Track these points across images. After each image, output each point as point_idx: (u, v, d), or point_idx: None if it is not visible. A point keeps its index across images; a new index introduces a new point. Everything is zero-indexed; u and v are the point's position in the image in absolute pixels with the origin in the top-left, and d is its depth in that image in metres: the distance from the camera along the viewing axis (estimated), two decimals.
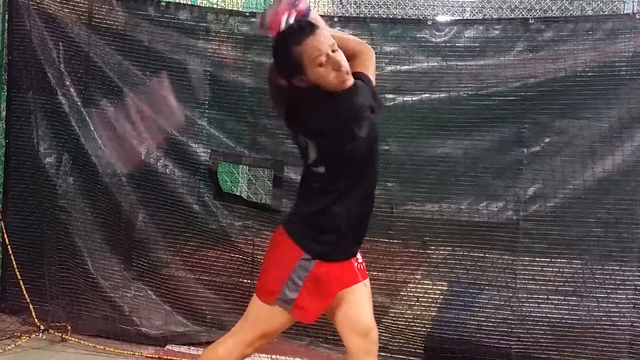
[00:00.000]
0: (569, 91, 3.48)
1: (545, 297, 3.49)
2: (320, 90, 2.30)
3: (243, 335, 2.48)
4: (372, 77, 2.44)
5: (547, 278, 3.49)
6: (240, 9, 5.63)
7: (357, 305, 2.49)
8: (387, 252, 3.66)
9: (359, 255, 2.55)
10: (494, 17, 6.12)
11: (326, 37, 2.29)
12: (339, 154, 2.33)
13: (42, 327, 3.93)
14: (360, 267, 2.54)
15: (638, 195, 3.42)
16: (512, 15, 6.21)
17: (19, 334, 3.89)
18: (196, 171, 3.90)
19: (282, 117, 2.50)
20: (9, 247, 4.01)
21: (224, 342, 2.53)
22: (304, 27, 2.30)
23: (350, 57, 2.42)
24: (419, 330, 3.68)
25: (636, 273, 3.42)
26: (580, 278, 3.46)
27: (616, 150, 3.42)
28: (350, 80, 2.30)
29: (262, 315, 2.44)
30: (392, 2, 6.30)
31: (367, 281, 2.56)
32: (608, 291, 3.42)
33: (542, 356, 3.49)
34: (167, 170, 3.92)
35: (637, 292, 3.41)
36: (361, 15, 5.89)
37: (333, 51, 2.28)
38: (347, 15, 5.95)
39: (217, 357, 2.51)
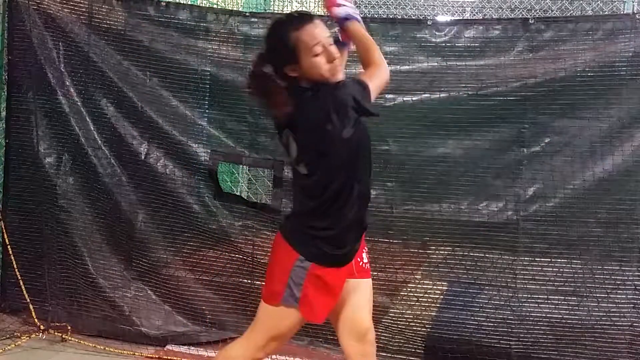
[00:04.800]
0: (569, 91, 3.47)
1: (545, 297, 3.49)
2: (304, 82, 2.29)
3: (254, 339, 2.45)
4: (373, 87, 2.32)
5: (547, 278, 3.49)
6: (240, 9, 5.62)
7: (355, 306, 2.49)
8: (387, 252, 3.66)
9: (364, 255, 2.54)
10: (494, 17, 6.11)
11: (324, 29, 2.29)
12: (319, 151, 2.27)
13: (42, 327, 3.92)
14: (364, 266, 2.53)
15: (638, 195, 3.42)
16: (512, 15, 6.20)
17: (19, 334, 3.89)
18: (196, 171, 3.90)
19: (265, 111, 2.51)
20: (9, 247, 4.01)
21: (236, 345, 2.50)
22: (303, 15, 2.32)
23: (365, 63, 2.43)
24: (419, 330, 3.68)
25: (636, 273, 3.42)
26: (580, 278, 3.46)
27: (616, 150, 3.42)
28: (341, 75, 2.31)
29: (270, 318, 2.42)
30: (392, 2, 6.30)
31: (368, 281, 2.55)
32: (608, 291, 3.42)
33: (542, 356, 3.49)
34: (167, 170, 3.92)
35: (637, 292, 3.41)
36: (361, 15, 5.88)
37: (330, 44, 2.28)
38: None
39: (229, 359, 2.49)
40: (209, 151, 3.86)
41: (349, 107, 2.23)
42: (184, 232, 3.94)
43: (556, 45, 3.50)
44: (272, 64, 2.32)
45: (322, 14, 6.07)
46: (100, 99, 3.98)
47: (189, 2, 5.08)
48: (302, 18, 2.30)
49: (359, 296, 2.50)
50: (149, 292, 3.98)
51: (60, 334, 3.91)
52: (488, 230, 3.57)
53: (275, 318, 2.41)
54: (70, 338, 3.89)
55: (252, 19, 3.86)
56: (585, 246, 3.45)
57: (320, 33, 2.27)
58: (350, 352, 2.50)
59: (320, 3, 6.72)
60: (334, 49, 2.28)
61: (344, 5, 2.46)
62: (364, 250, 2.56)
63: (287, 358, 3.75)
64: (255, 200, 4.68)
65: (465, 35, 3.63)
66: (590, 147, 3.46)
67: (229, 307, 3.87)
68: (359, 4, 6.53)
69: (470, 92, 3.58)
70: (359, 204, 2.37)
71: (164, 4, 3.91)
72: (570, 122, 3.48)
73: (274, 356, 3.73)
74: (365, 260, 2.55)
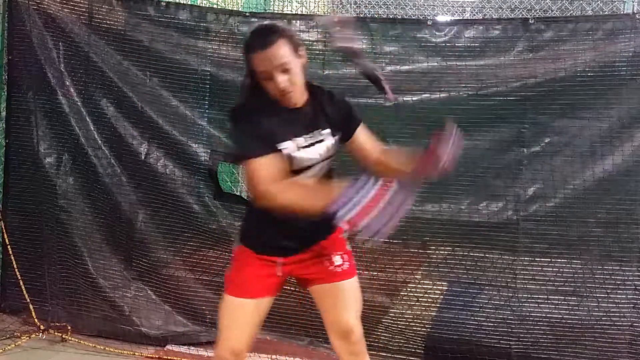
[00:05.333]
0: (569, 91, 3.47)
1: (545, 297, 3.49)
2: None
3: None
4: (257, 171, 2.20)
5: (547, 278, 3.49)
6: (240, 9, 5.62)
7: (335, 308, 2.51)
8: (387, 252, 3.66)
9: (337, 258, 2.49)
10: (494, 17, 6.10)
11: (275, 56, 2.21)
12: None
13: (42, 327, 3.93)
14: (337, 269, 2.50)
15: (638, 195, 3.42)
16: (512, 15, 6.19)
17: (19, 334, 3.89)
18: (196, 171, 3.90)
19: None
20: (9, 247, 4.01)
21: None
22: (260, 40, 2.25)
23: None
24: (419, 330, 3.68)
25: (636, 273, 3.42)
26: (580, 278, 3.46)
27: (616, 150, 3.42)
28: (295, 101, 2.30)
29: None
30: (392, 2, 6.29)
31: (345, 283, 2.51)
32: (608, 291, 3.42)
33: (542, 356, 3.49)
34: (167, 170, 3.92)
35: (637, 292, 3.41)
36: (361, 15, 5.88)
37: (283, 71, 2.23)
38: (347, 15, 5.94)
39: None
40: (209, 151, 3.86)
41: (277, 134, 2.29)
42: (184, 232, 3.94)
43: (556, 45, 3.50)
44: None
45: (322, 14, 6.08)
46: (100, 99, 3.98)
47: (189, 2, 5.07)
48: (256, 44, 2.25)
49: (337, 299, 2.50)
50: (149, 292, 3.98)
51: (60, 334, 3.91)
52: (488, 230, 3.57)
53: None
54: (70, 338, 3.89)
55: (252, 19, 3.86)
56: (585, 246, 3.45)
57: (267, 62, 2.21)
58: (338, 352, 2.54)
59: (320, 3, 6.71)
60: (282, 79, 2.22)
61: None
62: (336, 253, 2.51)
63: (287, 358, 3.75)
64: None
65: (465, 35, 3.63)
66: (590, 147, 3.46)
67: None
68: (359, 4, 6.53)
69: (470, 92, 3.58)
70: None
71: (164, 4, 3.91)
72: (570, 122, 3.48)
73: (274, 356, 3.74)
74: (338, 263, 2.50)
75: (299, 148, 2.32)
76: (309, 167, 2.36)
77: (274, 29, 2.29)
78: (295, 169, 2.32)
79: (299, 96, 2.32)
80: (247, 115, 2.32)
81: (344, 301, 2.52)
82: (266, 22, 2.41)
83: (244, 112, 2.35)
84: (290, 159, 2.30)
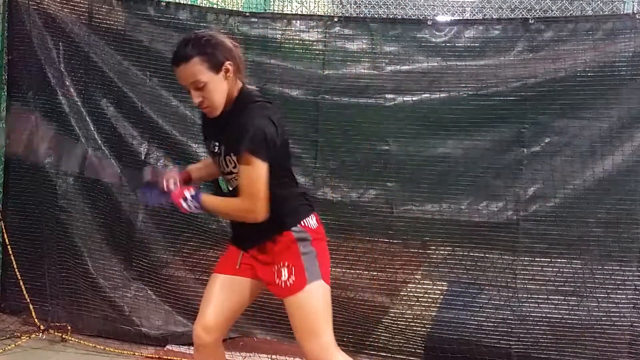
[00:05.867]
0: (569, 91, 3.47)
1: (545, 297, 3.49)
2: None
3: None
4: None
5: (547, 278, 3.49)
6: (240, 9, 5.62)
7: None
8: (387, 252, 3.66)
9: (284, 271, 2.44)
10: (494, 17, 6.09)
11: (187, 74, 2.33)
12: None
13: (42, 327, 3.93)
14: (282, 284, 2.44)
15: (638, 195, 3.42)
16: (512, 15, 6.18)
17: (19, 334, 3.89)
18: None
19: None
20: (9, 247, 4.01)
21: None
22: (177, 53, 2.38)
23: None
24: (419, 330, 3.68)
25: (636, 273, 3.42)
26: (580, 278, 3.46)
27: (616, 150, 3.42)
28: (214, 114, 2.39)
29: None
30: (392, 2, 6.28)
31: (293, 298, 2.44)
32: (608, 291, 3.42)
33: (542, 356, 3.49)
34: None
35: (637, 292, 3.41)
36: (361, 15, 5.87)
37: (195, 88, 2.34)
38: (347, 15, 5.94)
39: None
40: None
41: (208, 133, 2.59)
42: (184, 232, 3.94)
43: (556, 45, 3.50)
44: None
45: (322, 13, 6.06)
46: (100, 99, 3.98)
47: (189, 2, 5.07)
48: (173, 58, 2.38)
49: (290, 322, 2.48)
50: (149, 292, 3.98)
51: (60, 334, 3.91)
52: (488, 230, 3.57)
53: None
54: (70, 338, 3.89)
55: (252, 19, 3.87)
56: (585, 246, 3.45)
57: (180, 79, 2.38)
58: None
59: (320, 3, 6.71)
60: (194, 94, 2.35)
61: (188, 200, 2.42)
62: (284, 265, 2.45)
63: (287, 358, 3.75)
64: None
65: (465, 35, 3.63)
66: (590, 147, 3.46)
67: None
68: (359, 4, 6.53)
69: (470, 92, 3.58)
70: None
71: (164, 4, 3.91)
72: (570, 122, 3.48)
73: (274, 356, 3.74)
74: (284, 278, 2.44)
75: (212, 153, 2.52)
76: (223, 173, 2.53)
77: (192, 44, 2.34)
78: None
79: (218, 109, 2.38)
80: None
81: (292, 322, 2.48)
82: (193, 33, 2.40)
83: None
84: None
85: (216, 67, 2.33)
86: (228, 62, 2.36)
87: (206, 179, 2.76)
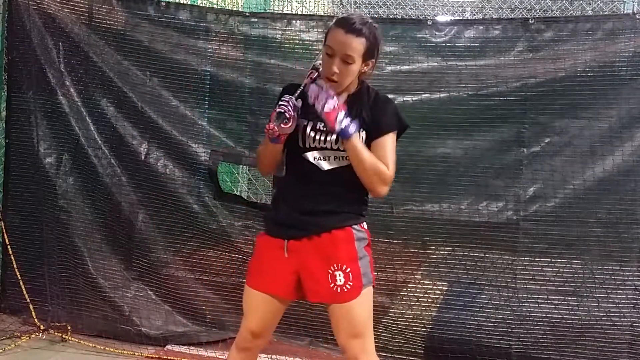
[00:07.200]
0: (569, 91, 3.47)
1: (545, 297, 3.49)
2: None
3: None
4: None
5: (547, 278, 3.49)
6: (240, 9, 5.63)
7: (333, 324, 2.47)
8: (387, 252, 3.66)
9: (340, 277, 2.38)
10: (494, 17, 6.11)
11: (349, 45, 2.34)
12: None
13: (42, 327, 3.93)
14: (338, 289, 2.38)
15: (638, 195, 3.42)
16: (512, 15, 6.20)
17: (19, 334, 3.89)
18: (196, 171, 3.90)
19: None
20: (9, 247, 4.01)
21: None
22: (353, 24, 2.37)
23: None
24: (419, 330, 3.68)
25: (636, 273, 3.42)
26: (580, 278, 3.46)
27: (616, 150, 3.42)
28: (336, 88, 2.36)
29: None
30: (392, 2, 6.30)
31: (340, 306, 2.40)
32: (608, 291, 3.42)
33: (542, 356, 3.49)
34: (167, 170, 3.92)
35: (637, 292, 3.41)
36: None
37: (342, 60, 2.35)
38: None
39: None
40: (209, 151, 3.86)
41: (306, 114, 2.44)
42: (184, 232, 3.94)
43: (556, 45, 3.50)
44: None
45: (322, 13, 6.07)
46: (100, 99, 3.98)
47: (189, 2, 5.07)
48: (346, 24, 2.37)
49: (333, 317, 2.44)
50: (149, 292, 3.98)
51: (60, 334, 3.91)
52: (488, 230, 3.57)
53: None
54: (70, 338, 3.89)
55: (252, 19, 3.87)
56: (585, 246, 3.45)
57: (337, 42, 2.35)
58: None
59: (320, 3, 6.72)
60: (337, 65, 2.35)
61: (348, 119, 2.35)
62: (340, 269, 2.39)
63: (287, 358, 3.75)
64: (255, 200, 4.69)
65: (465, 35, 3.63)
66: (590, 147, 3.46)
67: (229, 307, 3.86)
68: (359, 4, 6.54)
69: (470, 92, 3.58)
70: (302, 186, 2.45)
71: (164, 4, 3.91)
72: (570, 122, 3.48)
73: (274, 356, 3.74)
74: (340, 283, 2.37)
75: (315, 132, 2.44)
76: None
77: (368, 27, 2.40)
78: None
79: (341, 87, 2.41)
80: None
81: (337, 324, 2.44)
82: (371, 18, 2.49)
83: None
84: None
85: (367, 57, 2.41)
86: (373, 61, 2.46)
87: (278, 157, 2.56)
